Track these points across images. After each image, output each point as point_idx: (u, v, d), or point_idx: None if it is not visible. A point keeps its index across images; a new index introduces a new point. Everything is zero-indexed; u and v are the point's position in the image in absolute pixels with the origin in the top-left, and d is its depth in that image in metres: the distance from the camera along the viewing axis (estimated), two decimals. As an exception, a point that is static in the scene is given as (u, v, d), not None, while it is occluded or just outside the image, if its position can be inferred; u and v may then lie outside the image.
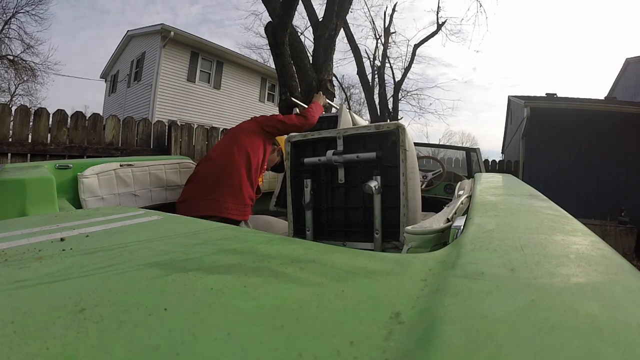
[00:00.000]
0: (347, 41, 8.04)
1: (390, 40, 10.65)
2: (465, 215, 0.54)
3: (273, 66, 3.96)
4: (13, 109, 2.62)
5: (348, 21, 7.48)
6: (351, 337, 0.20)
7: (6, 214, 0.83)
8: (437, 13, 9.42)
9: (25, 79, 13.65)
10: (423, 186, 2.48)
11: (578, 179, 5.75)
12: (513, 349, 0.18)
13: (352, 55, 8.28)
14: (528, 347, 0.18)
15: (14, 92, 13.69)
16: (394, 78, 10.36)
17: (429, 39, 9.66)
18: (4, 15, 12.79)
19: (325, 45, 3.94)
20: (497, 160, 6.31)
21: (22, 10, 13.27)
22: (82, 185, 1.40)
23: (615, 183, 5.55)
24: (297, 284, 0.29)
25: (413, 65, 9.85)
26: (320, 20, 4.13)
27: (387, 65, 10.49)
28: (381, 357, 0.18)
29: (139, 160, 1.65)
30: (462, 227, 0.47)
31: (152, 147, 3.37)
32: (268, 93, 12.04)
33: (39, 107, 2.79)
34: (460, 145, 16.88)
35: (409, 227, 0.57)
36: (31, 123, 2.66)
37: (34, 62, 13.56)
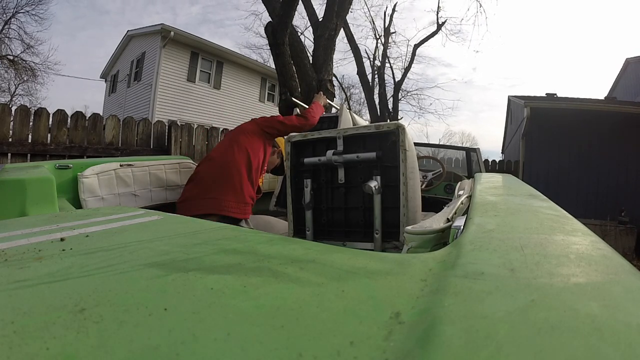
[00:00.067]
0: (347, 41, 8.04)
1: (390, 40, 10.65)
2: (465, 215, 0.54)
3: (273, 66, 3.95)
4: (13, 109, 2.62)
5: (348, 21, 7.48)
6: (351, 337, 0.20)
7: (6, 214, 0.83)
8: (437, 13, 9.43)
9: (25, 79, 13.67)
10: (423, 186, 2.48)
11: (578, 179, 5.75)
12: (513, 349, 0.18)
13: (352, 55, 8.29)
14: (528, 347, 0.18)
15: (14, 92, 13.71)
16: (394, 78, 10.37)
17: (429, 39, 9.67)
18: (4, 15, 12.81)
19: (325, 45, 3.94)
20: (497, 160, 6.31)
21: (22, 10, 13.29)
22: (82, 185, 1.40)
23: (615, 183, 5.55)
24: (297, 284, 0.29)
25: (413, 65, 9.86)
26: (320, 20, 4.13)
27: (387, 65, 10.50)
28: (381, 357, 0.18)
29: (139, 160, 1.65)
30: (462, 227, 0.47)
31: (152, 147, 3.37)
32: (268, 93, 12.04)
33: (39, 107, 2.79)
34: (460, 145, 16.89)
35: (409, 227, 0.57)
36: (31, 123, 2.66)
37: (34, 62, 13.58)
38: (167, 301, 0.25)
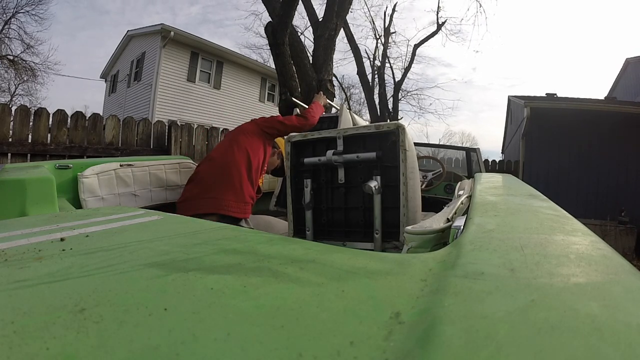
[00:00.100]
0: (347, 41, 8.04)
1: (390, 40, 10.65)
2: (465, 215, 0.54)
3: (273, 66, 3.95)
4: (13, 109, 2.62)
5: (348, 21, 7.48)
6: (351, 337, 0.20)
7: (6, 214, 0.83)
8: (437, 13, 9.43)
9: (25, 79, 13.67)
10: (423, 186, 2.48)
11: (578, 179, 5.75)
12: (513, 349, 0.18)
13: (352, 55, 8.28)
14: (528, 347, 0.18)
15: (14, 92, 13.70)
16: (394, 78, 10.37)
17: (429, 39, 9.67)
18: (4, 15, 12.81)
19: (325, 45, 3.94)
20: (497, 160, 6.31)
21: (22, 10, 13.29)
22: (82, 185, 1.40)
23: (615, 183, 5.55)
24: (297, 284, 0.29)
25: (413, 65, 9.86)
26: (320, 20, 4.13)
27: (387, 65, 10.50)
28: (381, 357, 0.18)
29: (139, 160, 1.65)
30: (462, 227, 0.47)
31: (152, 147, 3.37)
32: (268, 93, 12.04)
33: (39, 107, 2.79)
34: (460, 145, 16.88)
35: (409, 227, 0.57)
36: (31, 123, 2.66)
37: (34, 62, 13.58)
38: (167, 301, 0.25)
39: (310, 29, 4.75)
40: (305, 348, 0.19)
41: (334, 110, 2.90)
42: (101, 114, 3.15)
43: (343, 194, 1.21)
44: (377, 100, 9.25)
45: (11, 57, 13.08)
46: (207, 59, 10.23)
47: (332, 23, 3.93)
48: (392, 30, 10.59)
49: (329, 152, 1.17)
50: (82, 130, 2.89)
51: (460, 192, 0.99)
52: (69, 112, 2.87)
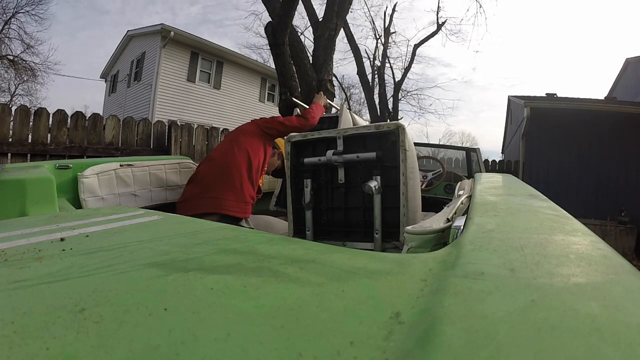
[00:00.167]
0: (347, 41, 8.04)
1: (390, 40, 10.65)
2: (465, 215, 0.54)
3: (273, 66, 3.95)
4: (13, 109, 2.62)
5: (348, 21, 7.48)
6: (351, 337, 0.20)
7: (6, 214, 0.83)
8: (437, 13, 9.44)
9: (25, 79, 13.66)
10: (423, 186, 2.48)
11: (578, 179, 5.75)
12: (513, 349, 0.18)
13: (352, 55, 8.28)
14: (528, 347, 0.18)
15: (14, 92, 13.70)
16: (394, 78, 10.37)
17: (429, 39, 9.67)
18: (4, 15, 12.81)
19: (325, 45, 3.94)
20: (497, 160, 6.31)
21: (22, 10, 13.28)
22: (82, 185, 1.40)
23: (615, 183, 5.55)
24: (297, 284, 0.29)
25: (413, 65, 9.86)
26: (320, 20, 4.13)
27: (387, 65, 10.50)
28: (381, 357, 0.18)
29: (139, 160, 1.65)
30: (462, 227, 0.47)
31: (152, 147, 3.37)
32: (268, 93, 12.03)
33: (39, 107, 2.79)
34: (460, 145, 16.88)
35: (409, 227, 0.57)
36: (31, 123, 2.66)
37: (34, 62, 13.58)
38: (167, 301, 0.25)
39: (310, 29, 4.75)
40: (305, 348, 0.19)
41: (334, 110, 2.90)
42: (101, 114, 3.15)
43: (343, 194, 1.21)
44: (377, 100, 9.25)
45: (11, 57, 13.08)
46: (207, 59, 10.22)
47: (332, 23, 3.93)
48: (392, 30, 10.60)
49: (329, 152, 1.17)
50: (82, 130, 2.89)
51: (460, 192, 0.99)
52: (69, 112, 2.88)
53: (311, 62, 3.92)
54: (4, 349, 0.19)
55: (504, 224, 0.44)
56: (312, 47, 4.15)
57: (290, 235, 1.30)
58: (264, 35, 3.90)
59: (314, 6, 4.50)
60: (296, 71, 3.67)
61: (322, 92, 2.13)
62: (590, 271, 0.28)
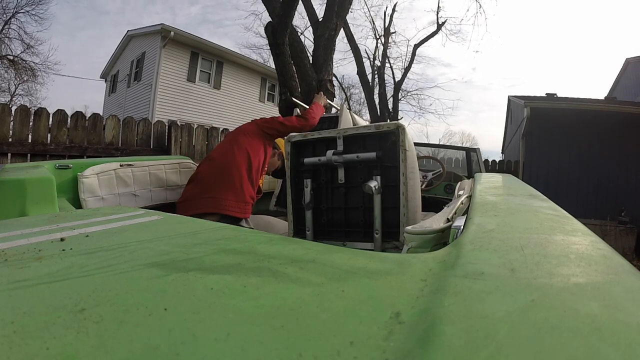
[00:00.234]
0: (347, 41, 8.03)
1: (390, 40, 10.65)
2: (465, 215, 0.54)
3: (273, 66, 3.95)
4: (13, 109, 2.62)
5: (348, 21, 7.48)
6: (351, 337, 0.20)
7: (6, 214, 0.83)
8: (437, 13, 9.43)
9: (25, 79, 13.66)
10: (423, 186, 2.48)
11: (578, 179, 5.75)
12: (513, 349, 0.18)
13: (352, 55, 8.28)
14: (528, 347, 0.18)
15: (14, 92, 13.70)
16: (394, 78, 10.36)
17: (428, 39, 9.66)
18: (4, 15, 12.81)
19: (325, 45, 3.94)
20: (497, 160, 6.31)
21: (22, 10, 13.28)
22: (82, 185, 1.40)
23: (615, 183, 5.55)
24: (297, 284, 0.29)
25: (413, 65, 9.85)
26: (320, 20, 4.12)
27: (387, 65, 10.50)
28: (381, 357, 0.18)
29: (139, 160, 1.65)
30: (462, 227, 0.47)
31: (152, 147, 3.37)
32: (268, 93, 12.03)
33: (39, 107, 2.79)
34: (460, 145, 16.89)
35: (409, 227, 0.57)
36: (31, 123, 2.66)
37: (34, 62, 13.58)
38: (167, 301, 0.25)
39: (310, 29, 4.75)
40: (305, 348, 0.19)
41: (334, 110, 2.90)
42: (101, 114, 3.15)
43: (343, 194, 1.21)
44: (377, 100, 9.25)
45: (11, 57, 13.08)
46: (207, 59, 10.22)
47: (332, 23, 3.92)
48: (392, 30, 10.59)
49: (329, 152, 1.17)
50: (82, 130, 2.89)
51: (460, 192, 0.99)
52: (69, 112, 2.88)
53: (311, 62, 3.92)
54: (4, 349, 0.19)
55: (504, 224, 0.44)
56: (312, 47, 4.15)
57: (290, 235, 1.30)
58: (264, 35, 3.89)
59: (314, 6, 4.50)
60: (296, 71, 3.67)
61: (322, 92, 2.13)
62: (590, 271, 0.28)
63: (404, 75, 9.83)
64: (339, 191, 1.22)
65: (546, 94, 7.15)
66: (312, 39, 4.34)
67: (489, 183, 0.93)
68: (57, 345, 0.19)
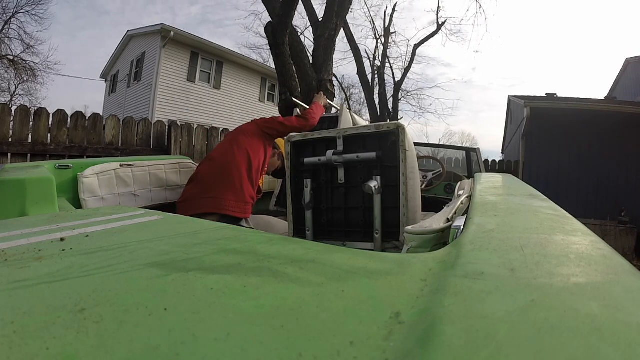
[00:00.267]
0: (347, 41, 8.03)
1: (390, 40, 10.65)
2: (465, 215, 0.54)
3: (273, 66, 3.95)
4: (13, 109, 2.62)
5: (348, 21, 7.47)
6: (351, 337, 0.20)
7: (6, 214, 0.83)
8: (437, 13, 9.43)
9: (25, 79, 13.66)
10: (423, 186, 2.48)
11: (578, 179, 5.75)
12: (513, 349, 0.18)
13: (352, 55, 8.28)
14: (528, 347, 0.18)
15: (14, 92, 13.70)
16: (394, 78, 10.36)
17: (429, 39, 9.66)
18: (4, 15, 12.81)
19: (325, 45, 3.94)
20: (497, 160, 6.31)
21: (22, 10, 13.28)
22: (82, 185, 1.40)
23: (615, 183, 5.55)
24: (297, 284, 0.29)
25: (413, 65, 9.85)
26: (320, 20, 4.13)
27: (387, 65, 10.50)
28: (381, 357, 0.18)
29: (139, 160, 1.65)
30: (462, 227, 0.47)
31: (152, 147, 3.37)
32: (268, 93, 12.03)
33: (39, 107, 2.79)
34: (460, 145, 16.88)
35: (409, 227, 0.57)
36: (31, 123, 2.66)
37: (34, 62, 13.57)
38: (167, 301, 0.25)
39: (310, 29, 4.75)
40: (305, 348, 0.19)
41: (334, 110, 2.90)
42: (101, 114, 3.15)
43: (343, 194, 1.21)
44: (377, 100, 9.25)
45: (11, 57, 13.08)
46: (207, 59, 10.22)
47: (332, 23, 3.92)
48: (392, 30, 10.59)
49: (329, 152, 1.17)
50: (82, 130, 2.89)
51: (460, 192, 0.99)
52: (69, 112, 2.88)
53: (311, 62, 3.92)
54: (4, 349, 0.19)
55: (504, 224, 0.44)
56: (312, 47, 4.15)
57: (290, 235, 1.30)
58: (264, 35, 3.89)
59: (314, 6, 4.50)
60: (296, 71, 3.67)
61: (322, 92, 2.13)
62: (590, 271, 0.28)
63: (404, 75, 9.84)
64: (339, 191, 1.22)
65: (546, 94, 7.15)
66: (312, 39, 4.34)
67: (489, 183, 0.93)
68: (57, 345, 0.19)
